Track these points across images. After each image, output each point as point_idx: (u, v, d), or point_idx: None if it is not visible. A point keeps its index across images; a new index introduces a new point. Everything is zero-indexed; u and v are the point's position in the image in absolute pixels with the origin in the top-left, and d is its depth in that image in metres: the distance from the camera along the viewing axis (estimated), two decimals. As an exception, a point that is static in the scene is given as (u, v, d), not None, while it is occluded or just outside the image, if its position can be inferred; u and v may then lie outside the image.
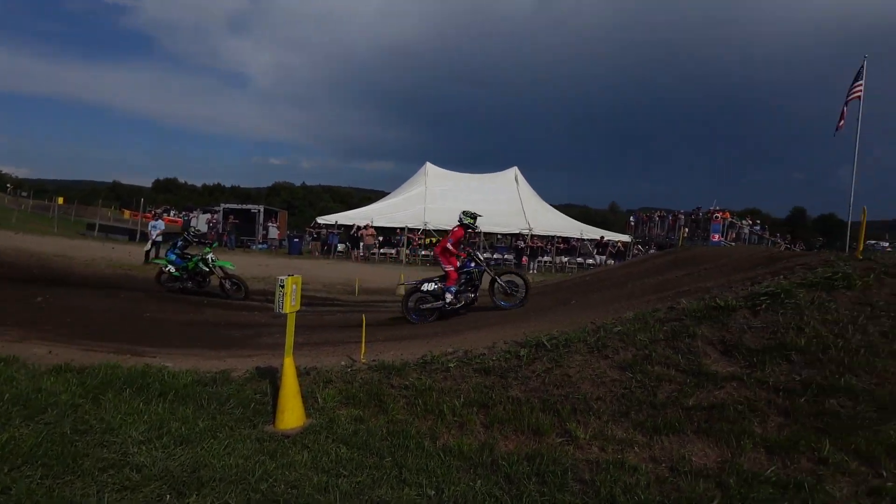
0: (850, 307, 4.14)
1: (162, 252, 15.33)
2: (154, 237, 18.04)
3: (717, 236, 13.06)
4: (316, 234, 28.86)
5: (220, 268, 11.67)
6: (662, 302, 5.06)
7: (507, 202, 30.16)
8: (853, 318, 4.02)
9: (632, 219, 34.33)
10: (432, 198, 29.17)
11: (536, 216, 29.46)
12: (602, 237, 28.71)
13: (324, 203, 76.03)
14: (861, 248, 5.14)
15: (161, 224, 19.01)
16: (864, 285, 4.26)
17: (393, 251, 27.91)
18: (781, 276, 4.77)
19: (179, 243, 11.97)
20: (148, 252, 17.57)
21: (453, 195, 29.31)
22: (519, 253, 27.06)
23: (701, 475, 3.15)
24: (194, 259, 11.60)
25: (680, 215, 27.96)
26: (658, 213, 32.82)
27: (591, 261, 27.25)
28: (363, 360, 4.77)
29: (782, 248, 26.66)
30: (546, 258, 27.77)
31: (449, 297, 8.14)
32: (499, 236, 31.54)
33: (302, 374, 4.33)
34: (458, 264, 8.29)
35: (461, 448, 3.48)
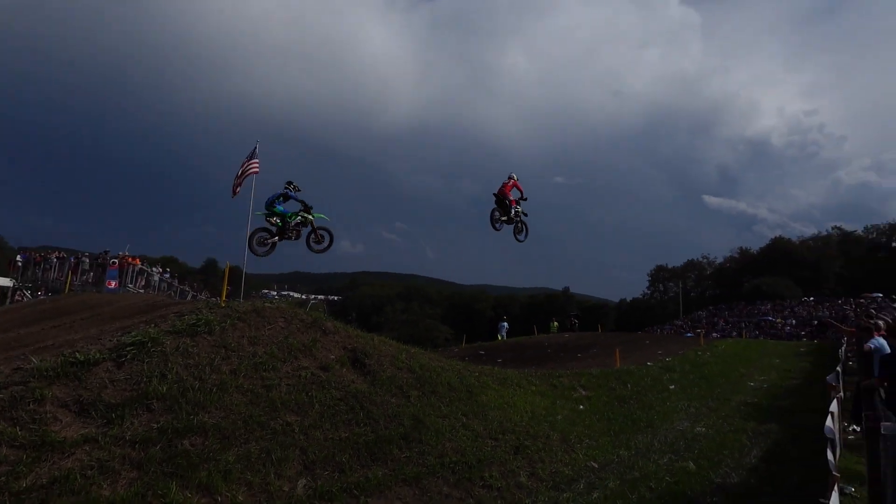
0: (209, 350, 4.62)
1: None
2: None
3: (113, 283, 12.32)
4: None
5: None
6: (10, 362, 4.12)
7: None
8: (211, 360, 4.51)
9: (19, 258, 28.17)
10: None
11: None
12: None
13: None
14: (224, 298, 5.95)
15: None
16: (222, 329, 4.88)
17: None
18: (153, 325, 4.84)
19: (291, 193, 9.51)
20: None
21: None
22: None
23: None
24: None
25: (84, 258, 24.96)
26: (57, 253, 28.27)
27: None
28: None
29: (190, 295, 28.33)
30: None
31: (513, 211, 11.49)
32: None
33: None
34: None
35: None
